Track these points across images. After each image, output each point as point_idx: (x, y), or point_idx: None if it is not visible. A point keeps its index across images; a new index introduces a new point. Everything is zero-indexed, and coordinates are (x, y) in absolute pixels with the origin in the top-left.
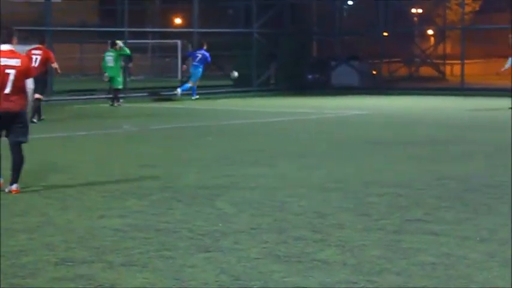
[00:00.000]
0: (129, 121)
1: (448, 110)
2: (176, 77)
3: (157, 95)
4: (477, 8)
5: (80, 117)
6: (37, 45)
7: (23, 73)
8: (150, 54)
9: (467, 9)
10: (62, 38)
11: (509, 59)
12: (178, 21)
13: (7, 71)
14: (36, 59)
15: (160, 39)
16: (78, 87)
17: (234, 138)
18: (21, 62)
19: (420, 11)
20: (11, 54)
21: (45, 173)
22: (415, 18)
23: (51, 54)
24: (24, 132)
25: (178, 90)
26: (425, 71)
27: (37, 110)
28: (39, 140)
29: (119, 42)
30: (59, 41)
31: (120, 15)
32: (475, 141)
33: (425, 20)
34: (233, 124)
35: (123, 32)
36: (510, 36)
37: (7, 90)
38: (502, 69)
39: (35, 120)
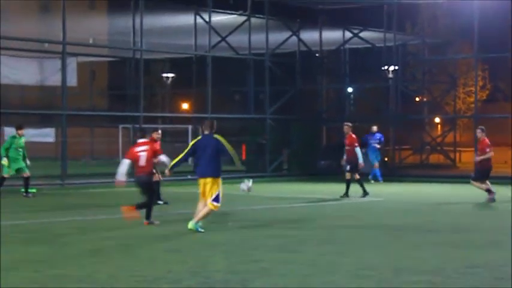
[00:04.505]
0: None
1: (463, 197)
2: (187, 161)
3: None
4: (484, 97)
5: (97, 201)
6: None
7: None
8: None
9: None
10: (74, 122)
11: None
12: (186, 106)
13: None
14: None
15: (171, 124)
16: (90, 171)
17: (254, 224)
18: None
19: (427, 99)
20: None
21: (72, 256)
22: (425, 107)
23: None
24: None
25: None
26: (435, 158)
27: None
28: (60, 223)
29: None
30: (71, 125)
31: (130, 100)
32: (498, 230)
33: (434, 108)
34: (250, 210)
35: (138, 116)
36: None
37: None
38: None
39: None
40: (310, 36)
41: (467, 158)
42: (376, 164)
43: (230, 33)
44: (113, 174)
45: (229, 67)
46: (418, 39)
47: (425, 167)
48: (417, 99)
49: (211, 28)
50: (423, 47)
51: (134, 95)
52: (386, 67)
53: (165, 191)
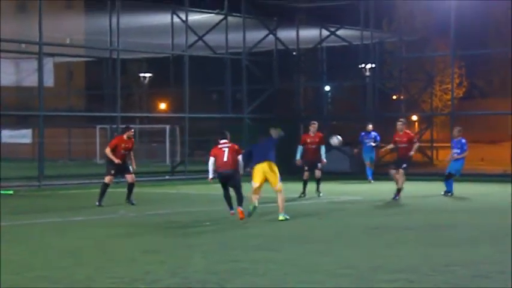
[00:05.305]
0: (124, 207)
1: (440, 195)
2: (164, 161)
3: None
4: (461, 94)
5: (74, 202)
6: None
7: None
8: (138, 140)
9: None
10: (51, 123)
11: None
12: (163, 106)
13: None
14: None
15: (148, 124)
16: (67, 172)
17: (233, 223)
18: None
19: (404, 97)
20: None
21: (50, 257)
22: (402, 105)
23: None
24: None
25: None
26: (413, 156)
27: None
28: (38, 224)
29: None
30: (48, 125)
31: (108, 100)
32: (474, 227)
33: (411, 106)
34: (228, 209)
35: (115, 116)
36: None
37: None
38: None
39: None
40: (287, 34)
41: (444, 156)
42: (369, 163)
43: (207, 32)
44: (90, 175)
45: (206, 66)
46: (395, 37)
47: None
48: (394, 97)
49: (188, 27)
50: (400, 45)
51: (111, 95)
52: (363, 65)
53: (142, 191)
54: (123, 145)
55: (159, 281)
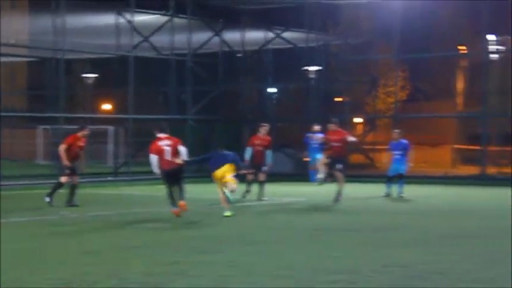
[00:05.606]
0: (65, 207)
1: (381, 196)
2: (105, 163)
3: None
4: (404, 97)
5: (13, 203)
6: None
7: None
8: None
9: (395, 98)
10: None
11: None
12: (108, 107)
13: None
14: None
15: (92, 125)
16: (8, 173)
17: (175, 225)
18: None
19: (348, 99)
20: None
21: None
22: (345, 106)
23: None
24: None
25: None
26: (355, 158)
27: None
28: None
29: None
30: None
31: (50, 101)
32: (415, 229)
33: (355, 108)
34: (169, 211)
35: (58, 117)
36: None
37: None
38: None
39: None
40: (233, 36)
41: (386, 158)
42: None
43: (153, 33)
44: (32, 176)
45: (151, 67)
46: (340, 40)
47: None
48: (339, 99)
49: (134, 28)
50: (345, 47)
51: (54, 96)
52: (308, 67)
53: (85, 192)
54: (77, 143)
55: (98, 283)
